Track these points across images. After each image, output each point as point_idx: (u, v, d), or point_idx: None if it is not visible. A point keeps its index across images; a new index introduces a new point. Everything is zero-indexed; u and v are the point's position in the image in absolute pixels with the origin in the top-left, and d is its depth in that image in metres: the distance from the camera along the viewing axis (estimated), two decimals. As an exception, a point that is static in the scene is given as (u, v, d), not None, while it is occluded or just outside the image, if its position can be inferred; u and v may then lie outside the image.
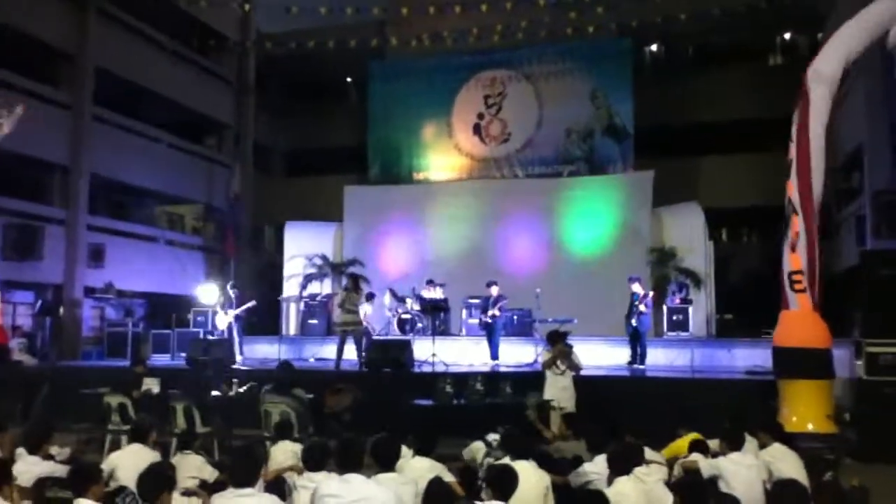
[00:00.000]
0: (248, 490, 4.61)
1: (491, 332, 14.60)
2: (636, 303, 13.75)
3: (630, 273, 14.76)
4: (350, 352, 14.07)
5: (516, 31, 20.46)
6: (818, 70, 9.70)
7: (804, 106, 9.74)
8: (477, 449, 6.98)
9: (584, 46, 21.40)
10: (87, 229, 19.09)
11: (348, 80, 27.00)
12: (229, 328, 15.37)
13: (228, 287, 16.00)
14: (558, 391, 9.79)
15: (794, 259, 9.60)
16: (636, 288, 13.98)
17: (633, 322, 13.76)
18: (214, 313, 16.25)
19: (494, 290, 14.58)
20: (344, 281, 15.83)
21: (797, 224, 9.69)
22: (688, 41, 23.98)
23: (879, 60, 15.27)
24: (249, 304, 15.56)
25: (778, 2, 18.84)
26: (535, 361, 14.14)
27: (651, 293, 14.31)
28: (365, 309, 14.96)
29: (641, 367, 13.78)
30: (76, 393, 11.12)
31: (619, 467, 5.37)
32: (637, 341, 13.95)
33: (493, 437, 6.97)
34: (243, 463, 4.84)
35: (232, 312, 15.30)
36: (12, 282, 17.10)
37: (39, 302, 18.03)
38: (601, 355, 14.64)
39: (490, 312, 14.50)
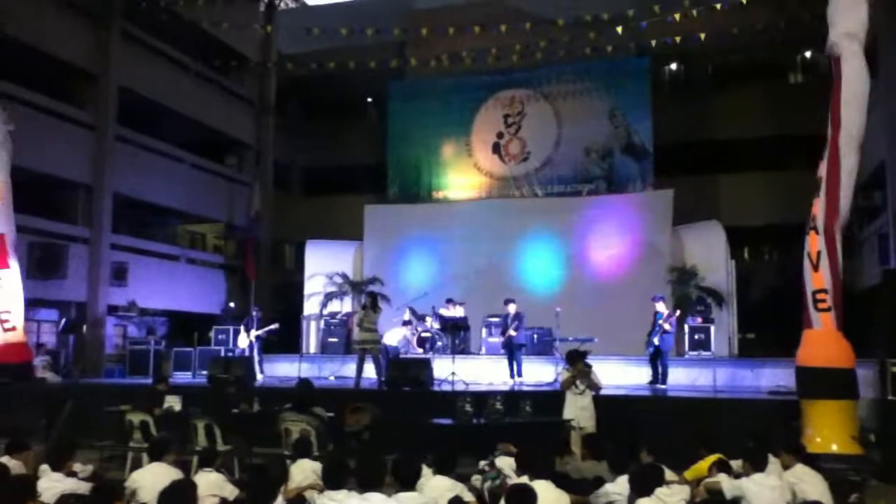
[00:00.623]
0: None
1: (511, 351, 14.55)
2: (660, 321, 13.64)
3: (651, 292, 14.69)
4: (371, 370, 14.09)
5: (535, 50, 20.56)
6: (848, 33, 9.68)
7: (836, 84, 9.70)
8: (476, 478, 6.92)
9: (603, 66, 21.45)
10: (110, 248, 19.31)
11: (368, 99, 27.25)
12: (250, 346, 15.48)
13: (252, 306, 16.13)
14: (578, 411, 9.71)
15: (817, 278, 9.52)
16: (660, 307, 13.88)
17: (656, 341, 13.66)
18: (237, 332, 16.38)
19: (512, 308, 14.52)
20: (363, 299, 15.87)
21: (817, 242, 9.62)
22: (707, 60, 23.98)
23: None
24: (272, 327, 15.67)
25: (797, 20, 18.79)
26: (556, 380, 14.08)
27: (678, 312, 14.22)
28: (402, 331, 15.17)
29: (663, 386, 13.67)
30: (99, 410, 11.18)
31: (641, 488, 5.33)
32: (658, 360, 13.85)
33: (484, 464, 6.99)
34: (262, 481, 4.86)
35: (254, 333, 15.40)
36: (37, 300, 17.30)
37: (63, 320, 18.22)
38: (621, 375, 14.56)
39: (508, 332, 14.48)
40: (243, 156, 25.20)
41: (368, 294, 15.22)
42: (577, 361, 10.05)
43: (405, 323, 15.84)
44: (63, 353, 18.22)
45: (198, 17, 20.58)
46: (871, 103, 15.70)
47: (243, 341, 15.60)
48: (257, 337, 15.50)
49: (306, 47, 24.09)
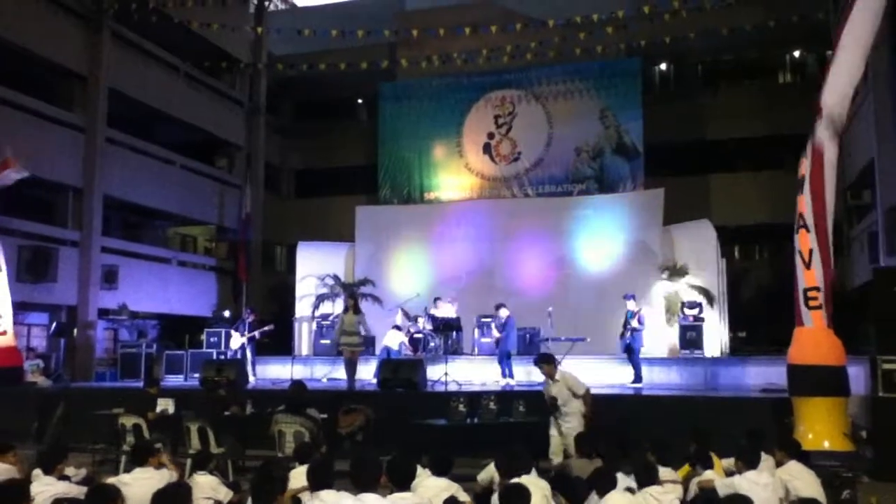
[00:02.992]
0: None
1: (501, 356, 14.59)
2: (630, 319, 13.74)
3: (642, 292, 14.83)
4: (366, 372, 14.10)
5: (526, 51, 20.61)
6: (827, 103, 9.72)
7: (817, 165, 9.75)
8: (493, 471, 6.93)
9: (594, 66, 21.53)
10: (100, 251, 19.23)
11: (359, 101, 27.26)
12: (242, 349, 15.45)
13: (244, 309, 16.10)
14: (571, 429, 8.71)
15: (809, 275, 9.56)
16: (631, 305, 13.98)
17: (627, 339, 13.74)
18: (228, 335, 16.35)
19: (503, 313, 14.56)
20: (344, 301, 15.87)
21: (808, 240, 9.66)
22: (697, 60, 24.10)
23: (889, 78, 15.32)
24: (267, 328, 15.65)
25: (786, 20, 18.90)
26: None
27: (640, 309, 14.19)
28: (399, 336, 15.23)
29: (638, 385, 13.70)
30: (90, 414, 11.15)
31: (603, 486, 5.38)
32: (631, 358, 13.92)
33: None
34: (264, 484, 4.85)
35: (247, 335, 15.39)
36: (27, 303, 17.22)
37: (54, 324, 18.14)
38: (612, 374, 14.60)
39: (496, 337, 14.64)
40: (234, 157, 25.15)
41: (350, 296, 15.26)
42: (544, 364, 9.23)
43: (397, 327, 15.87)
44: (54, 357, 18.14)
45: (188, 18, 20.54)
46: (860, 102, 15.87)
47: (235, 343, 15.57)
48: (250, 339, 15.47)
49: (297, 48, 24.08)
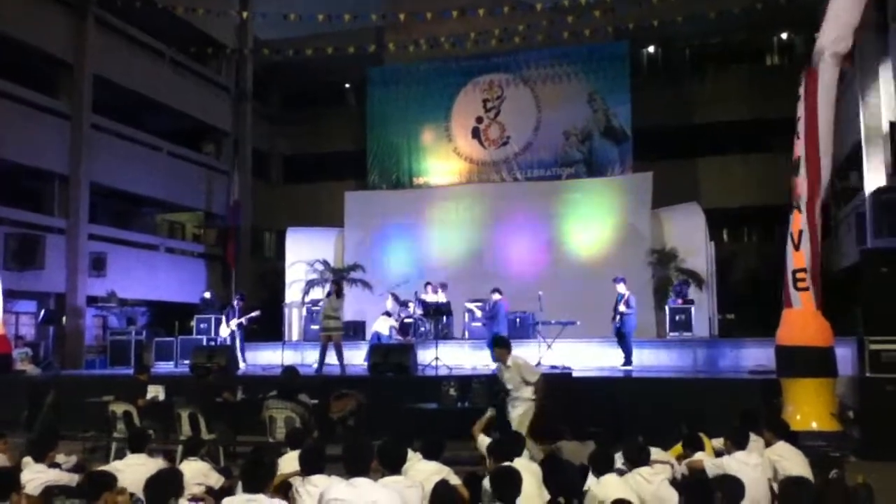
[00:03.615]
0: (259, 496, 4.62)
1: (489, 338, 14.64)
2: (620, 302, 13.80)
3: (632, 274, 14.85)
4: (357, 357, 14.10)
5: (514, 35, 20.53)
6: (824, 44, 9.68)
7: (812, 91, 9.70)
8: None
9: (582, 50, 21.52)
10: (88, 238, 19.13)
11: (346, 85, 27.13)
12: (232, 335, 15.43)
13: (234, 295, 16.06)
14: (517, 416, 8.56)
15: (798, 257, 9.60)
16: (621, 289, 14.00)
17: (617, 323, 13.80)
18: (218, 321, 16.31)
19: (494, 297, 14.62)
20: (327, 286, 15.87)
21: (800, 221, 9.69)
22: (684, 43, 24.09)
23: (875, 59, 15.36)
24: (254, 315, 15.60)
25: (773, 3, 18.90)
26: (539, 364, 14.17)
27: (627, 293, 14.20)
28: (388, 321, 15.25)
29: (629, 367, 13.77)
30: (80, 401, 11.12)
31: (600, 468, 5.42)
32: (621, 342, 13.98)
33: None
34: (256, 469, 4.85)
35: (235, 322, 15.35)
36: (14, 291, 17.13)
37: (42, 311, 18.05)
38: (603, 356, 14.67)
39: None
40: (221, 143, 25.01)
41: (333, 281, 15.27)
42: (498, 346, 9.00)
43: (387, 313, 15.90)
44: (43, 345, 18.07)
45: (172, 3, 20.34)
46: (847, 84, 15.90)
47: (225, 330, 15.53)
48: (239, 325, 15.43)
49: (283, 33, 23.92)
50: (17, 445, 7.42)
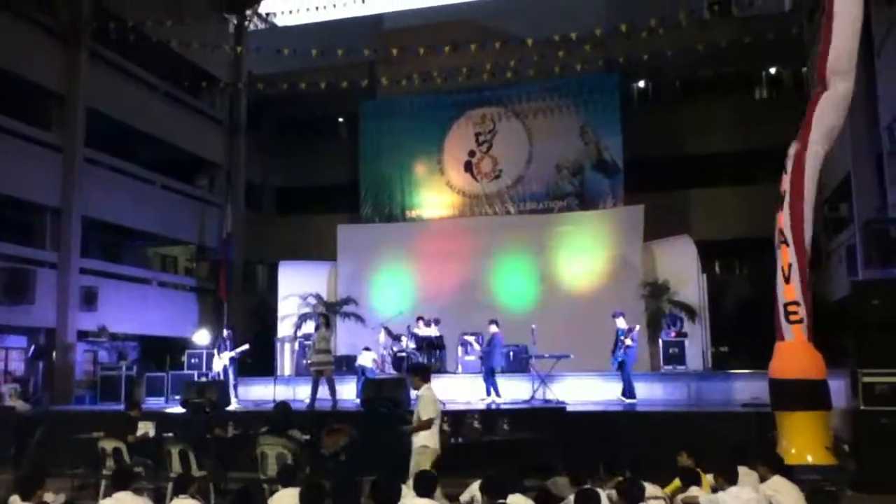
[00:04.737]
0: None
1: (485, 372, 14.59)
2: (622, 337, 13.79)
3: (624, 307, 14.83)
4: (348, 391, 14.01)
5: (505, 68, 20.70)
6: (834, 70, 9.82)
7: (807, 124, 9.84)
8: (475, 491, 6.89)
9: (572, 83, 21.71)
10: (79, 272, 19.01)
11: (339, 119, 27.27)
12: (224, 370, 15.32)
13: (224, 329, 15.99)
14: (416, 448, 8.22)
15: (789, 290, 9.63)
16: (620, 323, 14.04)
17: (620, 356, 13.77)
18: (210, 356, 16.22)
19: (492, 329, 14.61)
20: (316, 320, 15.84)
21: (788, 255, 9.74)
22: (674, 76, 24.32)
23: (864, 91, 15.52)
24: (243, 348, 15.51)
25: (761, 37, 19.15)
26: (532, 398, 14.12)
27: (637, 327, 14.29)
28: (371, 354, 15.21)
29: (632, 400, 13.74)
30: (70, 438, 11.00)
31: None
32: (622, 374, 13.96)
33: None
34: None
35: (226, 355, 15.26)
36: (4, 326, 16.99)
37: (32, 346, 17.90)
38: (597, 390, 14.63)
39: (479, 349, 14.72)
40: (214, 176, 25.01)
41: (321, 315, 15.25)
42: (415, 375, 8.75)
43: (366, 348, 15.87)
44: (32, 381, 17.88)
45: (167, 37, 20.48)
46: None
47: (217, 364, 15.45)
48: (231, 359, 15.34)
49: (277, 67, 24.07)
50: (4, 483, 7.32)
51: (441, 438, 8.31)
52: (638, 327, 14.37)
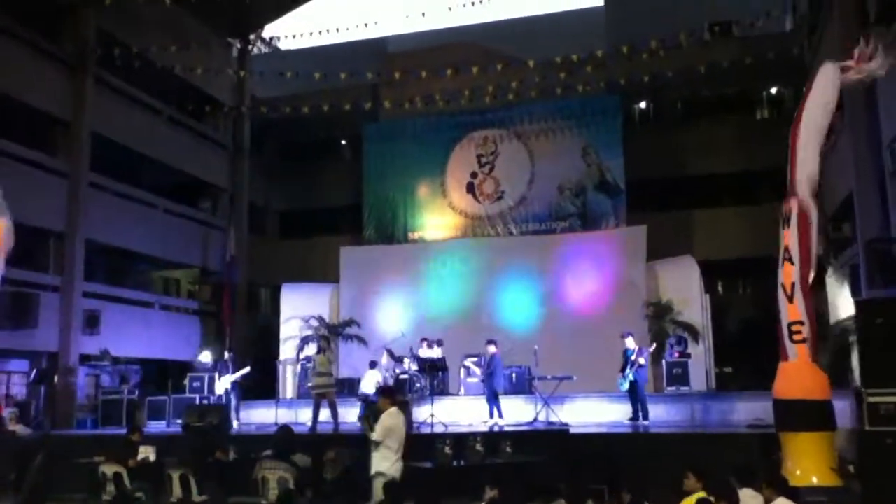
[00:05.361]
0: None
1: (488, 394, 14.50)
2: (632, 357, 13.71)
3: (627, 328, 14.77)
4: (351, 415, 13.94)
5: (507, 91, 20.82)
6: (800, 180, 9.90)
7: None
8: None
9: (574, 104, 21.77)
10: (82, 296, 19.02)
11: (342, 141, 27.37)
12: (226, 393, 15.29)
13: (226, 352, 16.00)
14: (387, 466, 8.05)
15: (792, 309, 9.57)
16: (629, 343, 13.98)
17: (631, 377, 13.69)
18: (212, 379, 16.20)
19: (490, 349, 14.52)
20: (317, 343, 15.83)
21: (792, 273, 9.69)
22: (676, 97, 24.40)
23: (865, 111, 15.55)
24: (244, 371, 15.48)
25: (762, 57, 19.23)
26: (535, 420, 14.04)
27: (651, 347, 14.26)
28: (375, 375, 15.08)
29: (646, 422, 13.65)
30: (70, 462, 10.95)
31: None
32: (636, 396, 13.86)
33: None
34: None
35: (228, 378, 15.23)
36: (6, 350, 16.97)
37: (34, 370, 17.86)
38: (600, 412, 14.55)
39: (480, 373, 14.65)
40: (218, 199, 25.09)
41: (321, 339, 15.23)
42: (381, 399, 8.50)
43: (373, 363, 15.75)
44: (34, 404, 17.82)
45: (172, 63, 20.64)
46: (838, 134, 16.07)
47: (219, 387, 15.43)
48: (234, 382, 15.32)
49: (280, 91, 24.24)
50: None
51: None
52: (653, 347, 14.30)
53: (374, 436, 7.99)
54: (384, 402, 8.30)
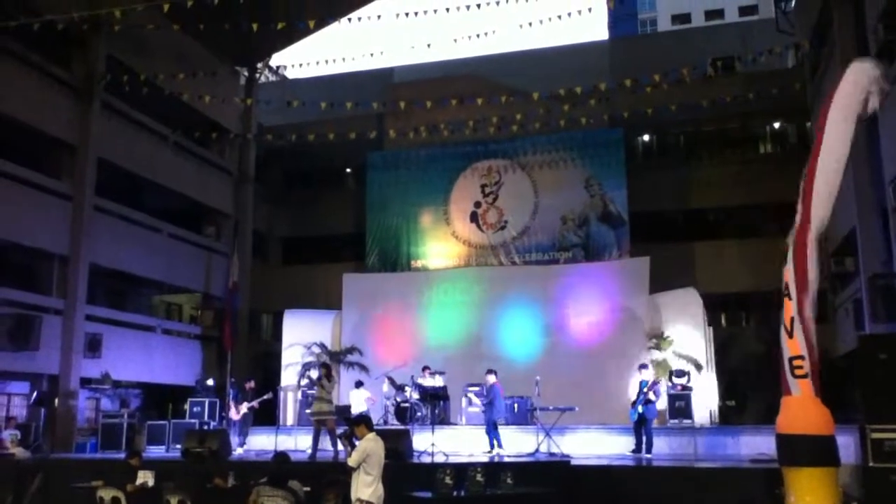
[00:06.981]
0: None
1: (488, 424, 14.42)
2: (644, 390, 13.64)
3: (629, 359, 14.81)
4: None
5: (511, 122, 21.00)
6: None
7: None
8: None
9: (578, 136, 21.93)
10: (84, 319, 19.01)
11: (347, 169, 27.53)
12: (244, 418, 15.59)
13: (245, 381, 16.37)
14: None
15: (793, 344, 9.54)
16: (646, 375, 13.90)
17: (640, 409, 13.61)
18: (212, 404, 16.35)
19: (490, 379, 14.45)
20: (317, 370, 15.86)
21: (791, 309, 9.69)
22: (679, 130, 24.58)
23: (864, 146, 15.65)
24: (266, 397, 15.72)
25: (765, 92, 19.39)
26: (537, 451, 13.95)
27: (662, 380, 14.18)
28: (361, 394, 15.09)
29: (648, 455, 13.56)
30: (68, 486, 10.89)
31: None
32: (643, 429, 13.76)
33: None
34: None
35: (247, 405, 15.52)
36: (7, 372, 16.94)
37: (35, 393, 17.82)
38: (602, 443, 14.44)
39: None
40: (222, 225, 25.18)
41: (322, 365, 15.23)
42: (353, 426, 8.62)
43: (358, 384, 15.83)
44: (34, 427, 17.76)
45: (179, 90, 20.83)
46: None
47: (237, 412, 15.74)
48: (250, 408, 15.54)
49: (286, 119, 24.43)
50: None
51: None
52: (663, 380, 14.23)
53: (350, 461, 8.07)
54: (360, 430, 8.40)
